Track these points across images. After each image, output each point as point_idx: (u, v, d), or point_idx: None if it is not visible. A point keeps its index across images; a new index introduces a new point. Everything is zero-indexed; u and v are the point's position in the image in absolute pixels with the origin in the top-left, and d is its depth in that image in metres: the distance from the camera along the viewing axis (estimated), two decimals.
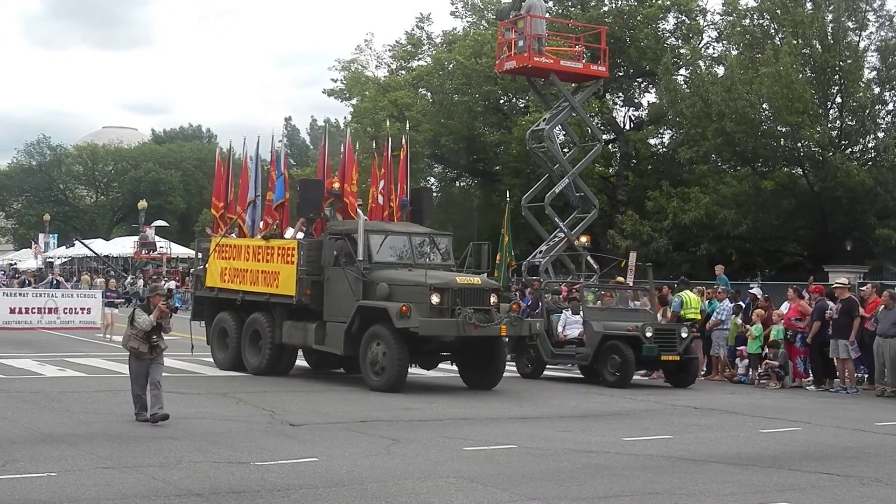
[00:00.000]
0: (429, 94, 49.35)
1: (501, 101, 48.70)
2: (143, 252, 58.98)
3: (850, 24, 38.22)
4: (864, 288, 23.93)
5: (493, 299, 19.60)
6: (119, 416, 14.85)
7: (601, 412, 17.28)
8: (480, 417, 16.09)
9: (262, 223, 22.63)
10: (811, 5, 38.97)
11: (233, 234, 23.24)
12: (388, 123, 23.45)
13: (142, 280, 50.95)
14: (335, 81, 55.87)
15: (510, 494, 10.28)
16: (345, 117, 57.87)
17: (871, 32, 39.12)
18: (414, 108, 47.11)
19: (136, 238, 61.08)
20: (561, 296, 25.45)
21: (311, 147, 64.18)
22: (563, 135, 37.86)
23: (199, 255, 24.82)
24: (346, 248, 19.99)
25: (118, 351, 24.48)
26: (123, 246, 64.30)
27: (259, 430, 13.88)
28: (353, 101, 54.58)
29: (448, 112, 46.37)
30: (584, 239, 32.60)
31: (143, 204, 62.47)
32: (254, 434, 13.53)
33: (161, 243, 59.70)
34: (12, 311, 28.66)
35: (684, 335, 21.83)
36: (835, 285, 22.59)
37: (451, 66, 46.75)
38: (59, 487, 9.88)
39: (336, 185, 22.07)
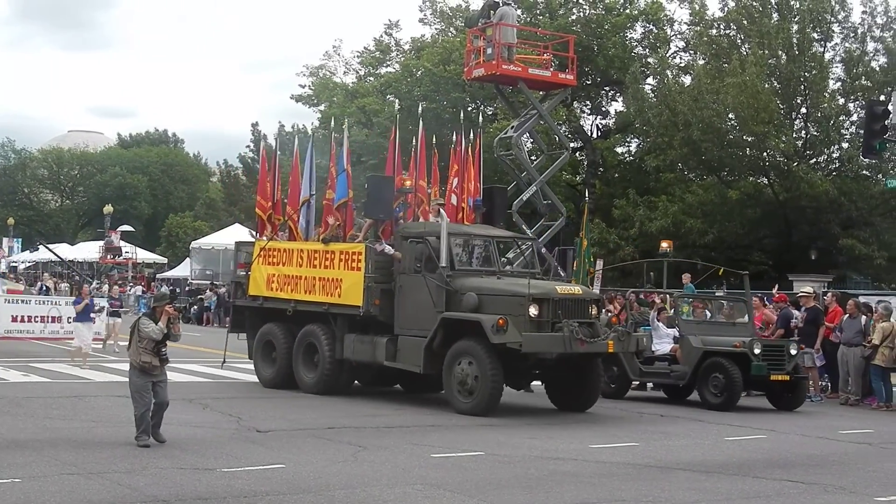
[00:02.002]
0: (397, 100, 49.34)
1: (470, 109, 48.77)
2: (109, 257, 58.51)
3: (815, 35, 38.59)
4: (826, 296, 24.13)
5: (593, 311, 17.99)
6: (84, 421, 14.74)
7: (568, 419, 17.32)
8: (448, 424, 16.09)
9: (320, 224, 20.85)
10: (777, 16, 39.28)
11: (278, 237, 21.42)
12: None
13: (107, 285, 50.50)
14: (303, 87, 55.75)
15: (477, 501, 10.29)
16: (312, 123, 57.76)
17: (836, 44, 39.54)
18: (382, 115, 47.09)
19: (101, 243, 60.59)
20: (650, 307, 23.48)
21: (279, 153, 63.92)
22: (531, 142, 37.94)
23: (241, 261, 22.23)
24: (427, 253, 18.13)
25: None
26: (89, 251, 63.80)
27: (226, 437, 13.83)
28: (321, 107, 54.50)
29: (416, 119, 46.32)
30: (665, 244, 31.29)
31: (108, 208, 62.00)
32: (220, 440, 13.48)
33: (127, 248, 59.29)
34: (14, 319, 26.92)
35: (793, 352, 19.78)
36: (799, 294, 22.78)
37: (419, 72, 46.77)
38: (24, 494, 9.79)
39: (408, 183, 20.13)
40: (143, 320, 13.16)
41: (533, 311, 16.87)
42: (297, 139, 23.04)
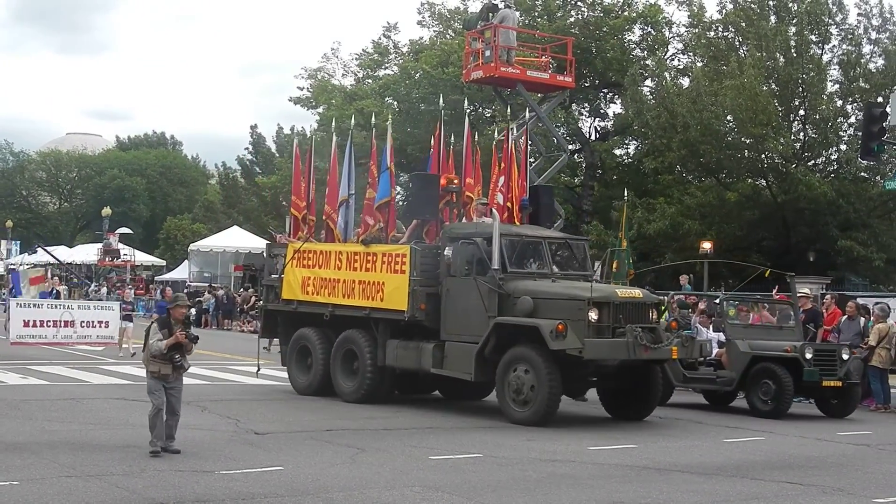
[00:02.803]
0: (395, 102, 49.33)
1: (468, 111, 48.74)
2: (107, 259, 58.50)
3: (812, 37, 38.62)
4: (825, 298, 24.12)
5: (654, 315, 17.28)
6: (82, 424, 14.74)
7: (566, 421, 17.31)
8: (446, 427, 16.10)
9: (360, 225, 19.94)
10: (775, 19, 39.31)
11: (313, 238, 20.70)
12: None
13: (105, 288, 50.51)
14: (301, 90, 55.80)
15: (475, 503, 10.29)
16: (311, 125, 57.77)
17: (834, 46, 39.54)
18: (380, 117, 47.05)
19: (99, 245, 60.59)
20: (690, 309, 22.65)
21: (277, 155, 63.92)
22: (530, 145, 37.94)
23: (272, 263, 21.34)
24: (478, 255, 17.31)
25: (81, 358, 24.34)
26: (87, 253, 63.81)
27: (224, 439, 13.83)
28: (320, 110, 54.50)
29: (414, 121, 46.34)
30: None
31: (106, 211, 61.96)
32: (218, 442, 13.48)
33: (125, 251, 59.26)
34: (26, 324, 26.04)
35: (845, 357, 19.02)
36: (798, 296, 22.75)
37: (417, 74, 46.77)
38: (22, 496, 9.80)
39: (455, 182, 19.32)
40: (154, 328, 12.64)
41: (593, 315, 16.13)
42: (337, 137, 22.10)
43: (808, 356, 18.62)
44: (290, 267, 20.04)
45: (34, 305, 27.51)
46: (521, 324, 16.52)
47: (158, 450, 12.19)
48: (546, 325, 15.99)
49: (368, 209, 19.51)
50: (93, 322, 27.09)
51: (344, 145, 20.86)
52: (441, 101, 22.99)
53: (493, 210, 18.29)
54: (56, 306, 28.02)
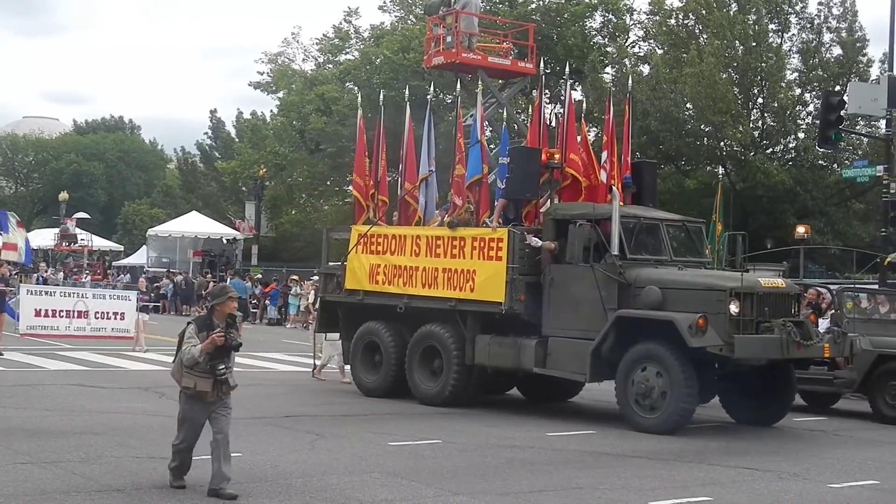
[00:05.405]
0: (356, 88, 49.19)
1: (429, 97, 48.72)
2: (64, 244, 58.00)
3: (772, 26, 38.86)
4: None
5: (797, 308, 15.61)
6: (38, 410, 14.60)
7: (525, 407, 17.36)
8: (406, 413, 16.09)
9: (448, 206, 18.04)
10: (736, 6, 39.49)
11: (382, 221, 18.81)
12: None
13: (62, 273, 50.10)
14: (262, 74, 55.59)
15: (434, 490, 10.29)
16: (271, 110, 57.50)
17: (793, 34, 39.77)
18: (341, 102, 46.95)
19: (56, 230, 60.02)
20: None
21: (237, 140, 63.56)
22: (490, 131, 37.96)
23: (332, 249, 19.67)
24: (594, 240, 15.38)
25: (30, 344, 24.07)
26: (44, 238, 63.16)
27: None
28: (280, 95, 54.27)
29: (376, 106, 46.22)
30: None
31: (64, 196, 61.41)
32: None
33: (82, 236, 58.75)
34: (38, 313, 24.70)
35: None
36: None
37: (378, 60, 46.65)
38: None
39: (556, 157, 17.05)
40: (190, 330, 9.61)
41: (734, 308, 14.37)
42: (410, 107, 19.97)
43: None
44: (354, 253, 18.08)
45: (46, 293, 26.05)
46: (651, 317, 14.69)
47: (184, 486, 9.83)
48: (683, 319, 14.19)
49: (458, 188, 17.60)
50: (108, 313, 25.75)
51: (418, 117, 18.95)
52: (542, 65, 21.08)
53: (613, 188, 16.31)
54: (70, 294, 26.48)
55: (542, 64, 20.25)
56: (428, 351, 17.07)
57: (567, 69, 20.77)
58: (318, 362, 20.34)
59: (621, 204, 16.00)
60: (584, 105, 45.10)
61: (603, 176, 17.32)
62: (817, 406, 18.46)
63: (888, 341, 17.35)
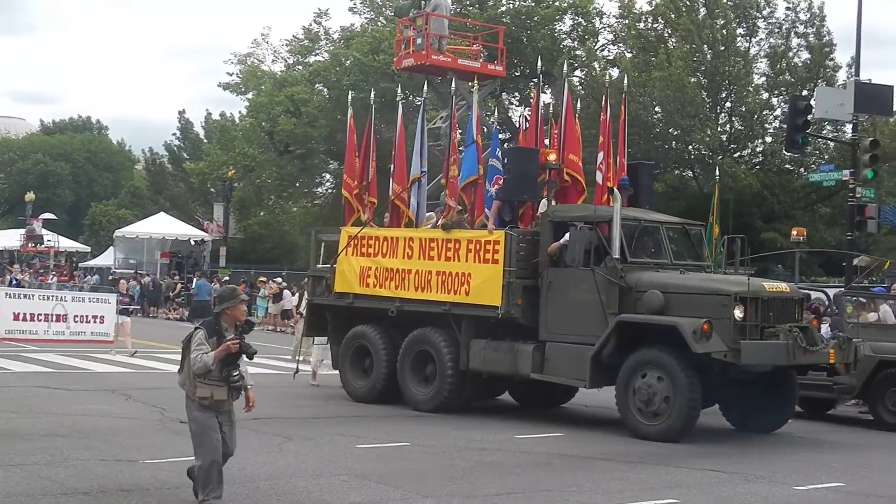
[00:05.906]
0: (325, 89, 49.08)
1: (398, 99, 48.68)
2: (30, 245, 57.54)
3: (740, 30, 39.14)
4: None
5: (800, 313, 15.48)
6: (2, 412, 14.47)
7: (493, 410, 17.37)
8: (374, 415, 16.06)
9: (443, 207, 17.52)
10: (705, 11, 39.73)
11: (373, 223, 18.34)
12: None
13: (28, 274, 49.70)
14: (231, 75, 55.29)
15: (402, 492, 10.29)
16: (240, 112, 57.28)
17: (761, 39, 40.08)
18: (310, 104, 46.85)
19: (22, 231, 59.56)
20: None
21: (206, 141, 63.26)
22: (460, 133, 37.97)
23: (319, 252, 19.31)
24: (595, 243, 15.10)
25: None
26: (9, 238, 62.65)
27: (149, 428, 13.68)
28: (249, 96, 54.07)
29: (344, 108, 46.18)
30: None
31: (30, 196, 60.92)
32: (143, 431, 13.33)
33: (49, 236, 58.31)
34: (16, 317, 23.96)
35: None
36: None
37: (348, 61, 46.57)
38: None
39: (552, 157, 16.79)
40: (198, 336, 9.04)
41: (738, 313, 14.16)
42: (402, 107, 19.67)
43: None
44: (344, 255, 17.77)
45: (24, 296, 25.53)
46: (654, 322, 14.43)
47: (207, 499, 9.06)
48: (687, 324, 13.90)
49: (452, 189, 17.06)
50: (87, 317, 24.99)
51: (409, 117, 18.61)
52: (566, 66, 20.52)
53: (615, 190, 15.86)
54: (48, 297, 25.91)
55: (539, 63, 20.12)
56: (420, 356, 16.74)
57: (565, 70, 21.25)
58: (308, 368, 19.89)
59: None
60: (551, 108, 45.27)
61: (599, 177, 17.25)
62: (812, 412, 18.17)
63: (888, 347, 17.14)
